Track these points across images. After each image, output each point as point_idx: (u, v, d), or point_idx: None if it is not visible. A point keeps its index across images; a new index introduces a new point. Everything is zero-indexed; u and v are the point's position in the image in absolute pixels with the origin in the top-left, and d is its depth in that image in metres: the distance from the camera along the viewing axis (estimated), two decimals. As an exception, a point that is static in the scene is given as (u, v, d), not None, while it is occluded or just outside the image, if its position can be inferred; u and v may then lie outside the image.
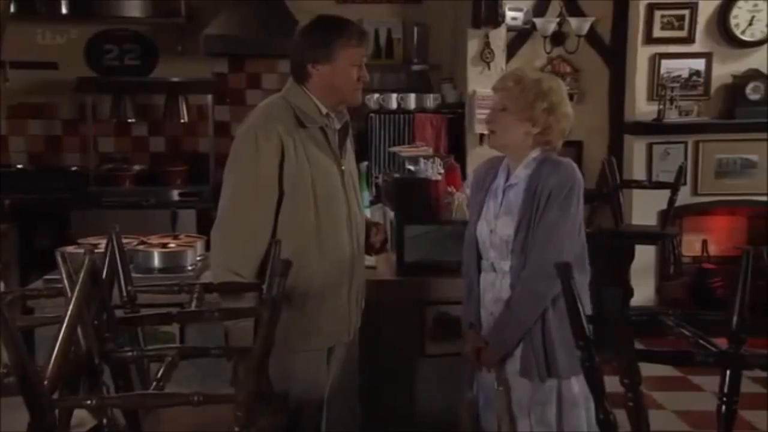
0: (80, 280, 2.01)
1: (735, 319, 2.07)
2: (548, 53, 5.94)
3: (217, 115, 6.03)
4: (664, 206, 5.56)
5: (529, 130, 2.73)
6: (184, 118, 5.89)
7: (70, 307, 1.96)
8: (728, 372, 2.01)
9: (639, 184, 5.58)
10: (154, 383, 1.89)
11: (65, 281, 2.09)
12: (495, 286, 2.78)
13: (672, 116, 5.76)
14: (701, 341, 1.86)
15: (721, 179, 5.90)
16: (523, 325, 2.69)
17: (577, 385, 2.74)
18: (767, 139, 5.86)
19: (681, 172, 5.39)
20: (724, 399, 2.03)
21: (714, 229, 6.21)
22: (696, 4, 5.81)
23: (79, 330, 2.05)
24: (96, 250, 3.30)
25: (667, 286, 5.82)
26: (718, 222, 6.22)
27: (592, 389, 2.10)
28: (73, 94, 5.91)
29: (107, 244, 2.55)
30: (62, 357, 1.92)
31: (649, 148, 5.87)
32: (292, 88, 2.87)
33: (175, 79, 5.88)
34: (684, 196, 5.59)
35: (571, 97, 5.84)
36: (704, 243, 6.11)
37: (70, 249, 3.38)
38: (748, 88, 5.79)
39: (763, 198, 5.95)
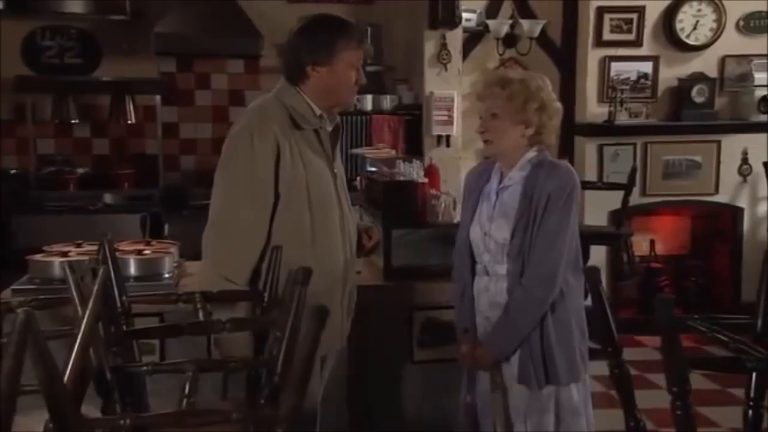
0: (94, 293, 1.89)
1: (759, 322, 2.09)
2: (501, 55, 5.96)
3: (164, 116, 5.86)
4: (614, 207, 5.66)
5: (524, 132, 2.71)
6: (132, 119, 5.69)
7: (84, 322, 1.84)
8: (754, 376, 2.03)
9: (593, 185, 5.65)
10: (185, 400, 1.79)
11: (74, 292, 1.97)
12: (489, 290, 2.75)
13: (622, 118, 5.86)
14: (742, 346, 1.86)
15: (667, 180, 6.03)
16: (522, 331, 2.67)
17: (576, 393, 2.73)
18: (711, 141, 6.03)
19: (634, 173, 5.48)
20: (751, 403, 2.03)
21: (660, 229, 6.35)
22: (643, 8, 5.92)
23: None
24: (66, 258, 3.18)
25: (620, 286, 5.91)
26: (664, 222, 6.36)
27: (621, 397, 2.08)
28: (10, 94, 5.65)
29: (98, 252, 2.42)
30: (76, 374, 1.80)
31: (600, 149, 5.95)
32: (285, 88, 2.78)
33: (120, 79, 5.68)
34: (632, 197, 5.68)
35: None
36: (652, 243, 6.24)
37: (39, 257, 3.22)
38: (694, 91, 5.92)
39: (707, 198, 6.12)
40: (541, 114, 2.71)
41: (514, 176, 2.73)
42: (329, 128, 2.83)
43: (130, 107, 5.69)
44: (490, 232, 2.73)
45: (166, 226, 5.34)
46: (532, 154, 2.74)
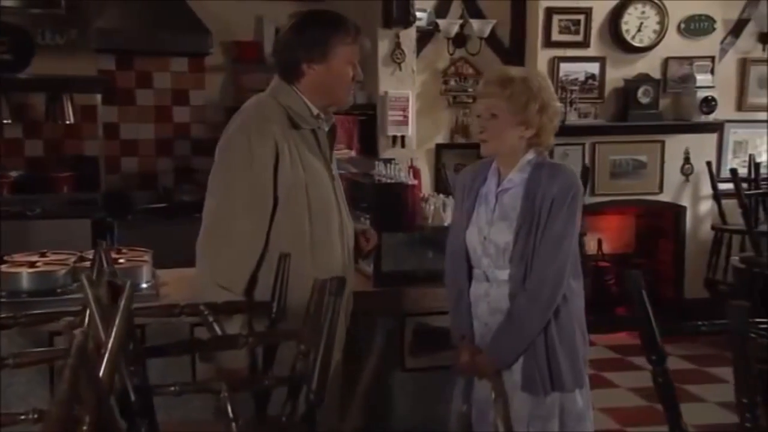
0: (122, 308, 1.72)
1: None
2: (451, 54, 5.92)
3: (103, 116, 5.58)
4: (565, 207, 5.68)
5: (523, 133, 2.63)
6: (70, 119, 5.38)
7: (111, 339, 1.67)
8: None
9: (546, 186, 5.65)
10: (233, 424, 1.64)
11: (93, 307, 1.79)
12: (489, 295, 2.66)
13: (572, 118, 5.88)
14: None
15: (615, 180, 6.10)
16: (527, 337, 2.59)
17: (581, 399, 2.68)
18: (656, 141, 6.14)
19: (586, 172, 5.51)
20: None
21: (607, 228, 6.43)
22: (590, 9, 5.96)
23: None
24: (34, 269, 2.95)
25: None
26: (611, 221, 6.44)
27: (667, 407, 2.03)
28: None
29: (93, 261, 2.23)
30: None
31: (551, 149, 5.96)
32: (281, 87, 2.65)
33: (56, 76, 5.37)
34: (581, 197, 5.71)
35: (474, 99, 5.95)
36: (599, 242, 6.31)
37: (3, 267, 2.98)
38: (639, 92, 6.00)
39: (652, 198, 6.22)
40: (542, 115, 2.64)
41: (514, 178, 2.65)
42: (326, 128, 2.71)
43: (68, 107, 5.37)
44: (489, 236, 2.64)
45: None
46: (531, 155, 2.67)
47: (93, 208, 5.19)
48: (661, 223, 6.44)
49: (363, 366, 3.01)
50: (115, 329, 1.68)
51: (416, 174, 3.34)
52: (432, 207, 3.15)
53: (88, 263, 3.01)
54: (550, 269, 2.56)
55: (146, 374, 1.95)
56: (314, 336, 1.98)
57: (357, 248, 2.81)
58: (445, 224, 3.13)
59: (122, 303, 1.71)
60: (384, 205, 3.05)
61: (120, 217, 5.13)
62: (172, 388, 1.82)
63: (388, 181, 3.18)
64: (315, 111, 2.64)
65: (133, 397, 1.79)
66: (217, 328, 2.05)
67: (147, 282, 3.01)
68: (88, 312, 2.09)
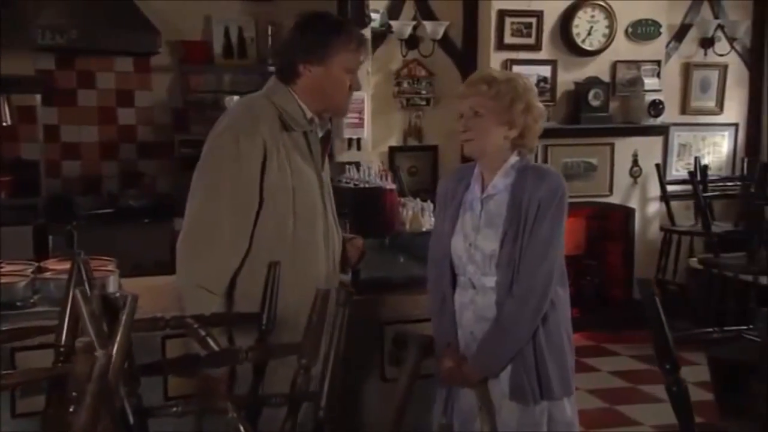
0: (123, 323, 1.58)
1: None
2: (404, 56, 5.86)
3: (43, 118, 5.33)
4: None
5: (507, 133, 2.57)
6: (7, 121, 5.10)
7: (114, 356, 1.53)
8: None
9: (502, 188, 5.63)
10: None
11: (89, 324, 1.64)
12: (476, 303, 2.58)
13: (525, 121, 5.86)
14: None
15: (566, 182, 6.08)
16: (516, 344, 2.52)
17: (569, 407, 2.63)
18: (606, 143, 6.18)
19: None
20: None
21: (558, 230, 6.43)
22: (542, 12, 5.97)
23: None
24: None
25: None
26: (562, 223, 6.45)
27: (679, 416, 1.99)
28: None
29: (71, 273, 2.07)
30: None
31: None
32: (276, 87, 2.58)
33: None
34: (534, 200, 5.71)
35: (427, 101, 5.90)
36: (551, 244, 6.31)
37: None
38: (590, 95, 6.03)
39: (602, 200, 6.26)
40: (526, 115, 2.58)
41: (498, 184, 2.59)
42: (320, 133, 2.62)
43: (5, 107, 5.10)
44: (476, 243, 2.57)
45: (51, 239, 4.86)
46: (514, 159, 2.61)
47: (33, 214, 4.94)
48: (610, 224, 6.49)
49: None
50: (116, 347, 1.54)
51: (390, 178, 3.24)
52: (410, 212, 3.05)
53: (48, 274, 2.84)
54: (538, 271, 2.51)
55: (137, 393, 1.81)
56: (316, 349, 1.86)
57: (344, 258, 2.72)
58: (423, 229, 3.05)
59: (124, 318, 1.57)
60: (362, 211, 2.95)
61: (63, 222, 4.89)
62: (174, 409, 1.68)
63: (365, 185, 3.08)
64: (309, 114, 2.58)
65: (131, 420, 1.64)
66: (212, 343, 1.91)
67: (114, 293, 2.82)
68: (65, 328, 1.94)
